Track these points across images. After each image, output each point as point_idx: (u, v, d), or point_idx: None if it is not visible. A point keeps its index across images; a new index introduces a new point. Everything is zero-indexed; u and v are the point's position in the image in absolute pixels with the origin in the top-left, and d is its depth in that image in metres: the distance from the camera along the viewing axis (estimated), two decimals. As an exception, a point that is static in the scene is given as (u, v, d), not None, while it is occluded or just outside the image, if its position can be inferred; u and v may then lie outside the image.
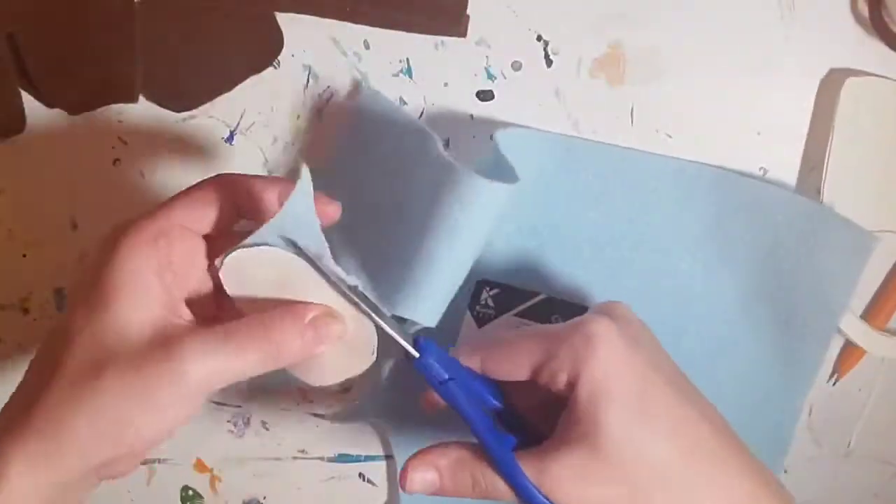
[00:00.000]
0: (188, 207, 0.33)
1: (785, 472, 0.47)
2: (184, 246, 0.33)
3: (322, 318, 0.33)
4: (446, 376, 0.33)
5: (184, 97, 0.41)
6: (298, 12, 0.40)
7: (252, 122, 0.42)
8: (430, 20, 0.40)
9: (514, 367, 0.34)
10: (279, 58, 0.41)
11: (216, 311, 0.34)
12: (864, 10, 0.41)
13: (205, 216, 0.33)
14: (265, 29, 0.40)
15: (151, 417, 0.30)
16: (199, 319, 0.33)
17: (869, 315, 0.45)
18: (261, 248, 0.32)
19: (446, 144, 0.42)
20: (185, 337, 0.30)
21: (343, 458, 0.46)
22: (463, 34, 0.41)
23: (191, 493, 0.47)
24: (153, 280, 0.31)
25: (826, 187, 0.42)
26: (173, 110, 0.41)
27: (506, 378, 0.35)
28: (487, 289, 0.42)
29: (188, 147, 0.42)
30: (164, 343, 0.30)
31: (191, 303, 0.33)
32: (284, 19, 0.40)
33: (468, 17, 0.40)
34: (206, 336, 0.31)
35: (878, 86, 0.41)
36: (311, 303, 0.33)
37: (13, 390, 0.42)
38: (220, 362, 0.30)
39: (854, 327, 0.44)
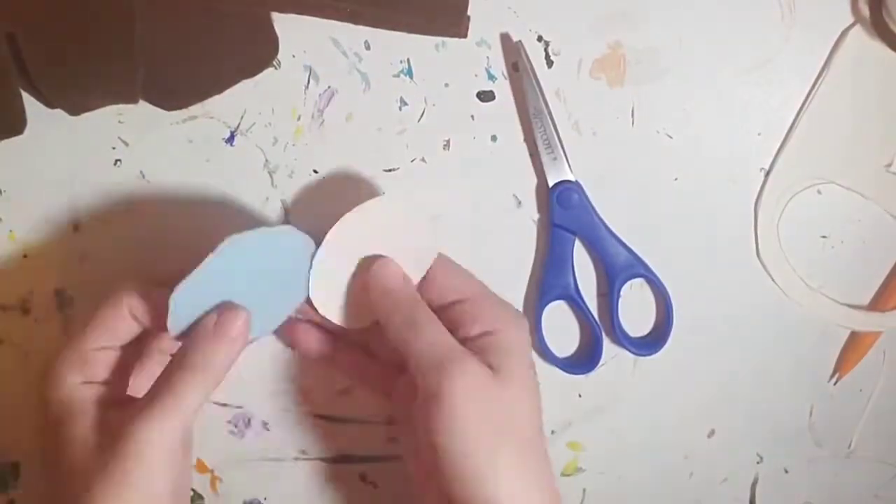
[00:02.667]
0: (95, 332, 0.37)
1: (785, 472, 0.47)
2: (106, 360, 0.37)
3: (226, 318, 0.36)
4: None
5: (174, 97, 0.41)
6: (297, 13, 0.40)
7: (252, 122, 0.42)
8: (430, 21, 0.40)
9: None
10: (279, 58, 0.41)
11: None
12: (864, 10, 0.41)
13: (114, 335, 0.37)
14: (261, 34, 0.40)
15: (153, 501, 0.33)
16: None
17: (879, 302, 0.45)
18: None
19: (446, 145, 0.42)
20: (127, 426, 0.34)
21: (344, 459, 0.46)
22: (463, 35, 0.41)
23: (191, 493, 0.47)
24: (84, 392, 0.36)
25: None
26: (164, 109, 0.41)
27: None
28: None
29: (188, 147, 0.42)
30: (117, 441, 0.33)
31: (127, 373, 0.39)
32: (285, 20, 0.40)
33: (468, 18, 0.40)
34: (142, 410, 0.34)
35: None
36: (215, 309, 0.36)
37: (13, 391, 0.42)
38: (167, 424, 0.34)
39: (862, 320, 0.45)
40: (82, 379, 0.36)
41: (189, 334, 0.36)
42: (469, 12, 0.40)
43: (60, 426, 0.35)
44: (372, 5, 0.39)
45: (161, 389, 0.35)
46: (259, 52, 0.40)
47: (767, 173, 0.43)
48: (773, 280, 0.45)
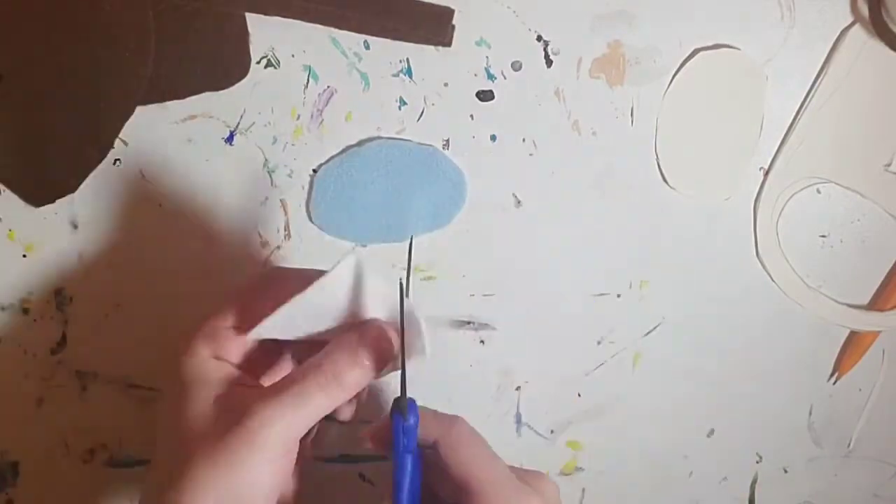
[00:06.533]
0: (229, 310, 0.36)
1: (785, 471, 0.47)
2: (239, 341, 0.36)
3: (375, 342, 0.34)
4: (412, 447, 0.34)
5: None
6: (283, 16, 0.40)
7: (252, 122, 0.42)
8: (415, 28, 0.40)
9: (462, 475, 0.35)
10: (279, 57, 0.41)
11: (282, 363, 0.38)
12: (863, 9, 0.41)
13: (248, 315, 0.35)
14: (236, 50, 0.40)
15: (249, 489, 0.31)
16: (271, 376, 0.37)
17: (878, 302, 0.45)
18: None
19: (446, 145, 0.42)
20: (253, 403, 0.32)
21: (343, 459, 0.46)
22: (448, 44, 0.41)
23: None
24: (211, 366, 0.35)
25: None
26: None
27: (448, 472, 0.35)
28: None
29: (188, 147, 0.42)
30: (237, 415, 0.32)
31: (258, 365, 0.36)
32: (283, 19, 0.40)
33: (453, 27, 0.40)
34: (270, 394, 0.33)
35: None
36: (364, 326, 0.34)
37: (13, 391, 0.42)
38: (290, 415, 0.32)
39: (862, 320, 0.45)
40: (212, 353, 0.35)
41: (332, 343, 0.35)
42: (454, 21, 0.40)
43: (183, 395, 0.34)
44: (358, 10, 0.39)
45: (292, 385, 0.33)
46: (229, 68, 0.41)
47: (767, 172, 0.43)
48: (772, 279, 0.45)
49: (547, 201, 0.43)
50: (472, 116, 0.42)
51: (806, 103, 0.42)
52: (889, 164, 0.44)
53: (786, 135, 0.43)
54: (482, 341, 0.45)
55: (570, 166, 0.43)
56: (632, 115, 0.42)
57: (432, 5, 0.40)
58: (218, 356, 0.35)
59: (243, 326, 0.35)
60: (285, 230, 0.43)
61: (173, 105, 0.41)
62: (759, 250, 0.44)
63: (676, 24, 0.41)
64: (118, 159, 0.42)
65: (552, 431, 0.46)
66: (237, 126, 0.42)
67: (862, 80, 0.42)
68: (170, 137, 0.41)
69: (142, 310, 0.43)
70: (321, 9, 0.40)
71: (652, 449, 0.47)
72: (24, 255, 0.43)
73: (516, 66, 0.41)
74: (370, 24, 0.40)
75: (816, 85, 0.42)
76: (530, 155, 0.42)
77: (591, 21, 0.41)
